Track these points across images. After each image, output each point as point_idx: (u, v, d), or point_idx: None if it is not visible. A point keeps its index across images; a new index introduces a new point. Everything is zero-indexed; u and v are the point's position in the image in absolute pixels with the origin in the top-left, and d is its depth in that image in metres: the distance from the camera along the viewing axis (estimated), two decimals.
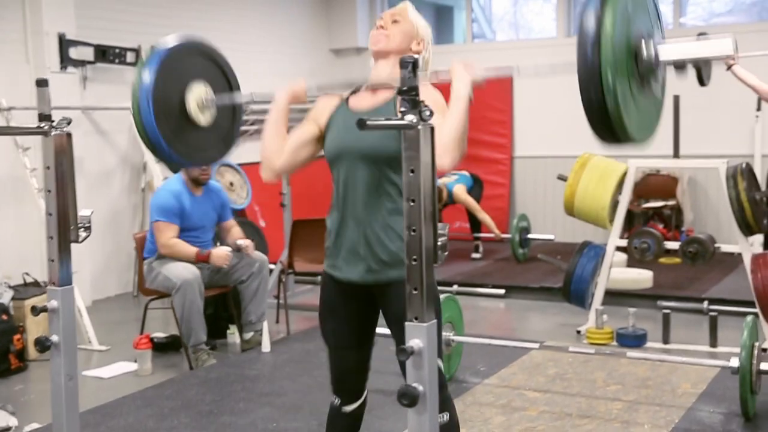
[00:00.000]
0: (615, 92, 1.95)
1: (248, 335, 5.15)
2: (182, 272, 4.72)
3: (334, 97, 2.57)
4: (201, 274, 4.81)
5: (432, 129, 1.95)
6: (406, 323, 1.97)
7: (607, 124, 2.01)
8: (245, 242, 5.06)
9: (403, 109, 1.93)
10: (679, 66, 2.12)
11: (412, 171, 1.94)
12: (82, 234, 2.49)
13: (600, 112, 1.99)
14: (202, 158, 2.73)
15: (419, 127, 1.92)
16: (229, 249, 4.94)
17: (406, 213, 1.97)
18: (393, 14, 2.53)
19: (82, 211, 2.50)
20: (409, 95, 1.92)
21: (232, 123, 2.77)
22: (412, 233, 1.96)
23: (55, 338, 2.42)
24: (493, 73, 2.35)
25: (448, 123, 2.28)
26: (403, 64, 1.92)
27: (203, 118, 2.61)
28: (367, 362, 2.63)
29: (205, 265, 4.87)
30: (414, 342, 1.94)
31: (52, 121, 2.44)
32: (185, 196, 4.93)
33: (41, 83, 2.46)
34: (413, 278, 1.97)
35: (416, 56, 1.97)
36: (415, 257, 1.96)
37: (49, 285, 2.45)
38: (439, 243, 2.02)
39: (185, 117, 2.57)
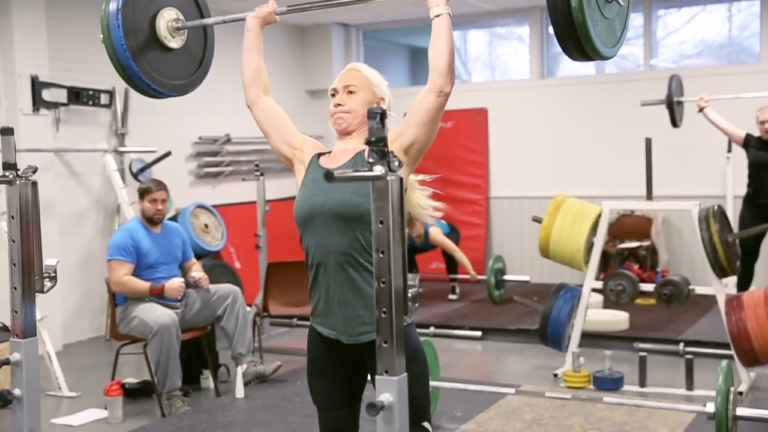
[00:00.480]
0: (581, 3, 1.98)
1: (243, 368, 5.05)
2: (159, 317, 4.65)
3: (319, 147, 2.55)
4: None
5: (401, 180, 1.93)
6: (376, 377, 1.93)
7: (572, 31, 2.04)
8: (198, 274, 4.96)
9: (371, 159, 1.92)
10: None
11: (381, 222, 1.92)
12: (47, 284, 2.44)
13: (564, 13, 2.01)
14: (173, 86, 2.67)
15: (388, 177, 1.91)
16: (182, 280, 4.86)
17: (375, 264, 1.94)
18: (347, 85, 2.45)
19: (48, 261, 2.46)
20: (378, 146, 1.91)
21: (203, 50, 2.77)
22: (382, 285, 1.93)
23: (17, 392, 2.36)
24: None
25: (437, 45, 2.31)
26: (370, 114, 1.91)
27: (174, 43, 2.61)
28: (356, 420, 2.55)
29: (174, 304, 4.79)
30: (384, 396, 1.90)
31: (17, 170, 2.39)
32: (142, 234, 4.85)
33: (6, 131, 2.42)
34: (383, 330, 1.94)
35: (383, 107, 1.96)
36: (384, 309, 1.93)
37: (12, 337, 2.39)
38: (409, 294, 2.00)
39: (156, 40, 2.58)
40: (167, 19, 2.61)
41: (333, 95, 2.48)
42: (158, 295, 4.75)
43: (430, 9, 2.32)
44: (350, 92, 2.44)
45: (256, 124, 2.60)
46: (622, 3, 2.17)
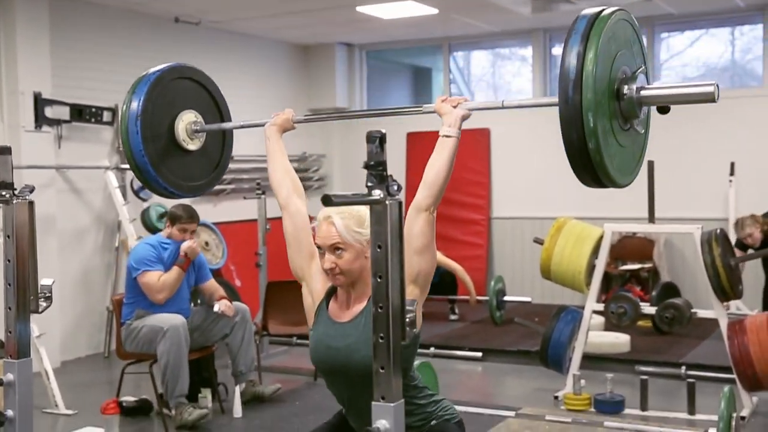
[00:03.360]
0: (596, 135, 1.91)
1: (241, 387, 5.04)
2: (169, 319, 4.67)
3: (327, 280, 2.43)
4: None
5: (400, 204, 1.92)
6: (373, 403, 1.91)
7: (589, 167, 1.98)
8: (224, 307, 4.95)
9: (369, 183, 1.90)
10: (662, 107, 2.11)
11: (380, 246, 1.90)
12: (43, 304, 2.42)
13: (581, 154, 1.95)
14: (190, 188, 2.66)
15: (387, 202, 1.89)
16: (193, 240, 4.93)
17: (373, 289, 1.92)
18: (332, 244, 2.32)
19: (44, 281, 2.44)
20: (376, 170, 1.89)
21: (221, 152, 2.76)
22: (380, 310, 1.91)
23: (10, 413, 2.33)
24: (479, 106, 2.33)
25: (437, 162, 2.27)
26: (370, 138, 1.90)
27: (192, 145, 2.60)
28: None
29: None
30: (381, 423, 1.88)
31: (14, 189, 2.38)
32: (163, 251, 4.89)
33: (3, 151, 2.40)
34: (380, 356, 1.92)
35: (382, 131, 1.94)
36: (382, 335, 1.91)
37: (5, 358, 2.37)
38: (407, 320, 1.97)
39: (174, 143, 2.58)
40: (186, 121, 2.62)
41: (319, 248, 2.37)
42: (187, 263, 4.83)
43: (442, 125, 2.29)
44: (337, 250, 2.32)
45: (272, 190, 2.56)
46: (640, 131, 2.11)
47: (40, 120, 6.21)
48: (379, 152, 1.90)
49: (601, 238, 5.31)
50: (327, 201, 1.81)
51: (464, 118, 2.29)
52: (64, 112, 6.43)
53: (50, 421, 4.96)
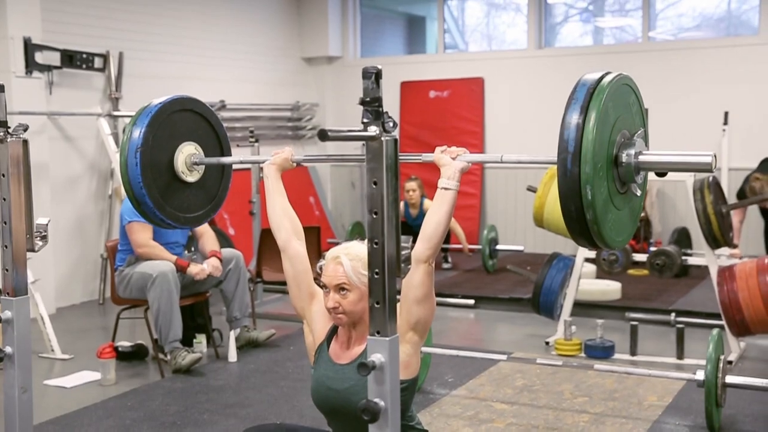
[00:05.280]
0: (594, 207, 1.95)
1: (236, 332, 5.10)
2: (158, 265, 4.69)
3: (328, 320, 2.48)
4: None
5: (395, 141, 1.92)
6: (368, 337, 1.94)
7: (587, 235, 2.02)
8: (212, 269, 4.90)
9: (365, 120, 1.90)
10: (660, 173, 2.14)
11: (375, 183, 1.91)
12: (39, 243, 2.43)
13: (579, 224, 1.99)
14: (187, 219, 2.67)
15: (382, 138, 1.90)
16: (205, 267, 4.86)
17: (368, 225, 1.94)
18: (338, 284, 2.37)
19: (39, 220, 2.45)
20: (372, 106, 1.90)
21: (219, 183, 2.76)
22: (375, 245, 1.93)
23: (8, 350, 2.36)
24: (480, 158, 2.34)
25: (437, 213, 2.28)
26: (366, 74, 1.89)
27: (191, 177, 2.60)
28: None
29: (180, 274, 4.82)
30: (376, 357, 1.91)
31: (8, 128, 2.37)
32: None
33: None
34: (375, 292, 1.94)
35: (378, 66, 1.93)
36: (377, 270, 1.93)
37: (3, 295, 2.39)
38: (402, 255, 1.99)
39: (173, 175, 2.57)
40: (186, 153, 2.60)
41: (324, 287, 2.41)
42: (181, 271, 4.78)
43: (441, 178, 2.28)
44: (342, 290, 2.37)
45: None
46: (637, 193, 2.12)
47: (31, 66, 6.15)
48: (375, 88, 1.90)
49: None
50: (323, 136, 1.82)
51: (463, 170, 2.29)
52: (54, 58, 6.37)
53: (47, 365, 5.00)
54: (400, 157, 2.37)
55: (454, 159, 2.29)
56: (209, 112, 2.73)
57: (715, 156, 2.01)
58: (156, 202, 2.51)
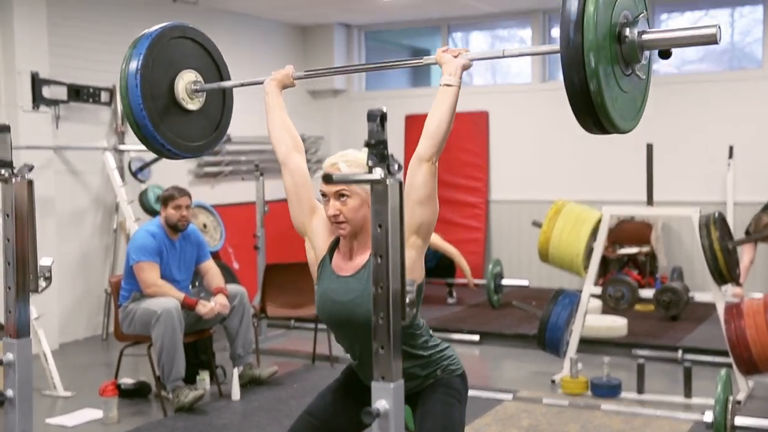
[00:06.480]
0: (598, 75, 1.92)
1: (239, 370, 5.05)
2: (163, 302, 4.67)
3: (329, 234, 2.48)
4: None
5: (401, 183, 1.91)
6: (373, 383, 1.91)
7: (591, 110, 1.97)
8: (219, 307, 4.88)
9: (370, 162, 1.89)
10: (664, 52, 2.09)
11: (380, 226, 1.90)
12: (42, 284, 2.41)
13: (583, 96, 1.95)
14: (189, 147, 2.65)
15: (387, 181, 1.88)
16: (214, 306, 4.85)
17: (373, 269, 1.92)
18: (337, 191, 2.35)
19: (43, 260, 2.43)
20: (377, 149, 1.89)
21: (221, 113, 2.77)
22: (380, 290, 1.91)
23: (10, 393, 2.34)
24: (480, 56, 2.31)
25: (438, 111, 2.27)
26: (371, 117, 1.89)
27: (192, 105, 2.61)
28: None
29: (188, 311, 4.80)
30: (380, 404, 1.88)
31: (13, 168, 2.37)
32: (161, 239, 4.88)
33: (2, 129, 2.39)
34: (380, 336, 1.92)
35: (383, 109, 1.93)
36: (382, 314, 1.91)
37: (5, 337, 2.36)
38: (407, 300, 1.97)
39: (174, 102, 2.58)
40: (186, 81, 2.61)
41: (324, 195, 2.39)
42: (190, 309, 4.76)
43: (443, 75, 2.29)
44: (342, 197, 2.36)
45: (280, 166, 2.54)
46: (641, 77, 2.10)
47: (38, 100, 6.18)
48: (380, 131, 1.89)
49: (599, 221, 5.31)
50: (328, 179, 1.81)
51: (465, 67, 2.29)
52: (61, 92, 6.41)
53: (49, 402, 4.96)
54: (401, 62, 2.38)
55: (456, 57, 2.29)
56: (208, 41, 2.74)
57: (719, 27, 1.98)
58: (156, 125, 2.50)
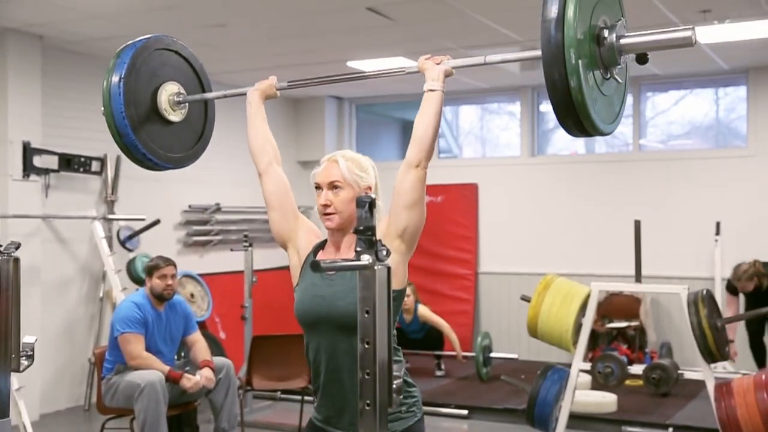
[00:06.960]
0: (578, 72, 1.94)
1: None
2: (146, 375, 4.61)
3: (315, 237, 2.51)
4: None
5: (388, 269, 1.91)
6: None
7: (571, 109, 1.99)
8: (205, 381, 4.84)
9: (358, 248, 1.89)
10: (641, 57, 2.12)
11: (367, 312, 1.89)
12: (24, 363, 2.38)
13: (563, 94, 1.97)
14: (170, 158, 2.66)
15: (375, 267, 1.88)
16: (199, 380, 4.80)
17: (360, 355, 1.90)
18: (330, 181, 2.40)
19: (26, 338, 2.40)
20: (366, 235, 1.89)
21: (203, 126, 2.79)
22: (366, 376, 1.89)
23: None
24: (462, 63, 2.32)
25: (424, 117, 2.29)
26: (359, 203, 1.89)
27: (174, 116, 2.63)
28: None
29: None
30: None
31: (0, 245, 2.36)
32: (147, 310, 4.84)
33: None
34: (366, 425, 1.89)
35: (372, 196, 1.95)
36: (368, 402, 1.89)
37: None
38: (394, 385, 1.95)
39: (156, 113, 2.59)
40: (169, 92, 2.64)
41: (317, 187, 2.43)
42: (174, 382, 4.70)
43: (426, 81, 2.32)
44: (335, 188, 2.39)
45: (262, 193, 2.55)
46: (619, 80, 2.15)
47: (29, 169, 6.19)
48: (369, 217, 1.89)
49: (588, 296, 5.30)
50: (316, 267, 1.80)
51: (447, 73, 2.32)
52: (52, 162, 6.42)
53: None
54: (386, 72, 2.38)
55: (438, 65, 2.31)
56: (192, 55, 2.74)
57: (694, 29, 2.00)
58: (138, 134, 2.51)
